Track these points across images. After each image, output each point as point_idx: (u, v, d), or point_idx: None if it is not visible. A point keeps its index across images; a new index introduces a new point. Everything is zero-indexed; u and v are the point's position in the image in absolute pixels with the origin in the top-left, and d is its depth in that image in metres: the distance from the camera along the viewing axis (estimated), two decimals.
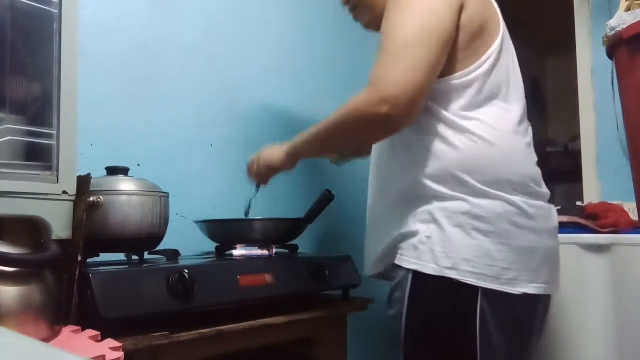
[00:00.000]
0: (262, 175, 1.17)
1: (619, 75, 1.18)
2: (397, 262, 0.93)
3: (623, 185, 1.41)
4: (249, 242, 1.22)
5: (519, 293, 0.85)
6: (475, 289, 0.84)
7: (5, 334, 0.51)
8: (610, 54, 1.19)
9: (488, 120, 0.89)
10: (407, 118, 0.84)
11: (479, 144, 0.87)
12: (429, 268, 0.87)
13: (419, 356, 0.91)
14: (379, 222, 1.02)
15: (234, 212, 1.39)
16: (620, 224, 1.20)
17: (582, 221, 1.23)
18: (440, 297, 0.88)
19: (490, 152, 0.88)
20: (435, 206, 0.89)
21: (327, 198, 1.20)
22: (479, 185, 0.87)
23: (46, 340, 0.70)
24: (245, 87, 1.56)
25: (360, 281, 1.23)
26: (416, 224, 0.91)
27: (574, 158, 2.05)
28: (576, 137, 2.02)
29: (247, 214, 1.27)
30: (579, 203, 1.51)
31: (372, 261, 1.03)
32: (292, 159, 1.08)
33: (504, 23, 0.98)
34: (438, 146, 0.90)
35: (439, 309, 0.88)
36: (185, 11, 1.45)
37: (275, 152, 1.11)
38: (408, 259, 0.90)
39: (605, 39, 1.18)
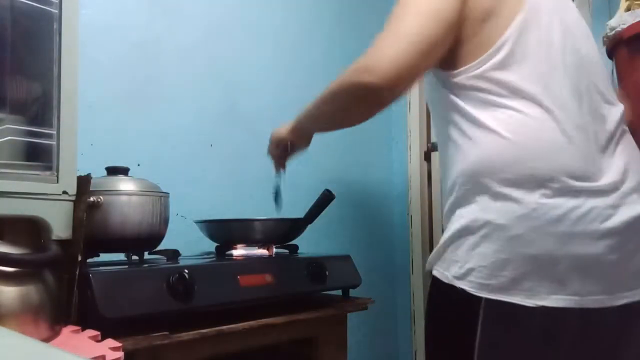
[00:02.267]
0: (276, 154, 1.15)
1: (619, 75, 1.17)
2: None
3: None
4: (249, 242, 1.22)
5: (533, 305, 0.75)
6: (478, 299, 0.79)
7: (5, 334, 0.51)
8: (610, 54, 1.18)
9: (507, 112, 0.81)
10: (390, 91, 0.81)
11: (495, 140, 0.80)
12: (441, 274, 0.85)
13: (429, 357, 0.91)
14: None
15: (234, 212, 1.39)
16: None
17: None
18: (449, 304, 0.85)
19: (508, 147, 0.79)
20: (455, 211, 0.86)
21: (327, 198, 1.20)
22: (495, 185, 0.79)
23: (46, 340, 0.70)
24: (245, 87, 1.56)
25: (360, 281, 1.23)
26: (447, 229, 0.88)
27: None
28: None
29: (277, 201, 1.24)
30: None
31: None
32: (296, 131, 1.07)
33: None
34: (459, 145, 0.85)
35: (446, 317, 0.87)
36: (185, 11, 1.45)
37: (282, 127, 1.11)
38: (431, 262, 0.90)
39: (605, 39, 1.18)
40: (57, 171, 0.80)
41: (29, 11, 0.83)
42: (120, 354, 0.68)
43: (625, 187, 0.81)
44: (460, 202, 0.85)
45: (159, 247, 1.06)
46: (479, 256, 0.80)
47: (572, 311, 0.76)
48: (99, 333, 0.74)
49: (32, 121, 0.83)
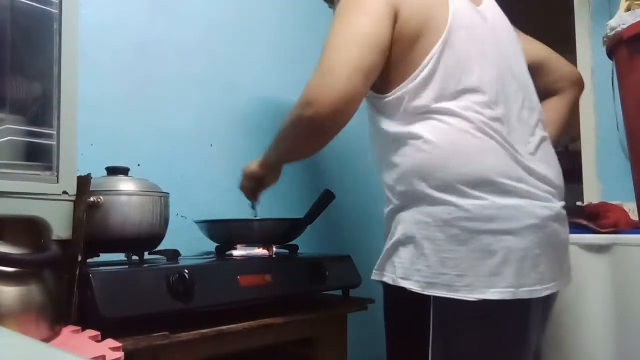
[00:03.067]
0: (247, 188, 1.17)
1: (619, 75, 1.18)
2: None
3: (623, 185, 1.41)
4: (249, 242, 1.22)
5: (475, 299, 0.83)
6: (427, 297, 0.86)
7: (6, 334, 0.51)
8: (610, 54, 1.19)
9: (432, 125, 0.88)
10: (331, 121, 0.85)
11: (426, 149, 0.87)
12: (388, 278, 0.92)
13: (388, 356, 1.01)
14: None
15: (234, 212, 1.39)
16: (620, 224, 1.20)
17: (582, 221, 1.23)
18: (402, 305, 0.93)
19: (437, 154, 0.86)
20: (395, 216, 0.94)
21: (327, 198, 1.20)
22: (429, 191, 0.86)
23: (46, 340, 0.70)
24: (245, 87, 1.56)
25: (360, 281, 1.23)
26: (388, 234, 0.96)
27: (574, 158, 2.05)
28: (576, 137, 2.01)
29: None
30: (579, 203, 1.51)
31: None
32: (264, 167, 1.10)
33: (475, 9, 0.95)
34: (393, 154, 0.92)
35: (401, 316, 0.95)
36: (185, 11, 1.45)
37: (252, 163, 1.14)
38: (375, 271, 0.97)
39: (605, 39, 1.18)
40: (57, 171, 0.80)
41: (29, 11, 0.83)
42: (120, 354, 0.68)
43: (547, 188, 0.90)
44: (400, 208, 0.92)
45: (159, 247, 1.06)
46: (423, 257, 0.87)
47: (509, 302, 0.83)
48: (99, 333, 0.74)
49: (32, 121, 0.83)
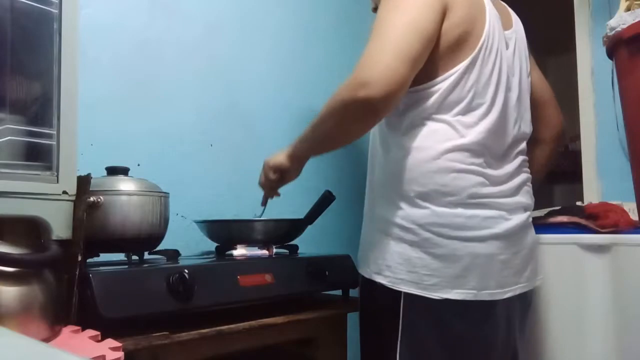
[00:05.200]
0: (270, 182, 1.14)
1: (619, 75, 1.17)
2: None
3: (623, 185, 1.41)
4: (249, 242, 1.22)
5: (439, 298, 0.89)
6: (398, 293, 0.92)
7: (6, 334, 0.51)
8: (610, 54, 1.18)
9: (428, 134, 0.93)
10: (384, 102, 0.86)
11: (412, 156, 0.93)
12: (364, 271, 1.00)
13: (361, 345, 1.05)
14: None
15: (234, 212, 1.39)
16: (620, 224, 1.20)
17: (582, 221, 1.23)
18: (374, 298, 0.98)
19: (421, 165, 0.92)
20: (375, 212, 0.99)
21: (327, 198, 1.20)
22: (409, 195, 0.93)
23: (46, 340, 0.70)
24: (245, 87, 1.56)
25: None
26: (367, 229, 1.03)
27: (574, 158, 2.05)
28: (576, 137, 2.01)
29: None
30: (579, 203, 1.51)
31: None
32: (293, 158, 1.08)
33: (503, 33, 1.00)
34: (385, 154, 0.98)
35: (374, 310, 1.00)
36: (185, 11, 1.45)
37: (277, 155, 1.11)
38: (358, 263, 1.04)
39: (605, 39, 1.18)
40: (57, 171, 0.80)
41: (29, 11, 0.83)
42: (120, 354, 0.68)
43: (514, 201, 0.98)
44: (381, 205, 0.98)
45: (159, 247, 1.06)
46: (396, 254, 0.93)
47: (471, 303, 0.90)
48: (99, 333, 0.74)
49: (32, 121, 0.83)
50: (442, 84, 0.92)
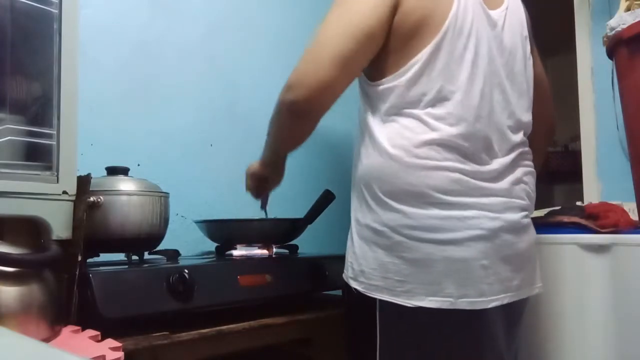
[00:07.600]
0: (253, 189, 1.16)
1: (619, 75, 1.17)
2: None
3: (623, 185, 1.41)
4: (249, 242, 1.22)
5: (412, 306, 0.83)
6: (373, 300, 0.87)
7: (6, 334, 0.51)
8: (610, 54, 1.18)
9: (397, 130, 0.87)
10: (307, 104, 0.87)
11: (382, 155, 0.87)
12: (344, 275, 0.95)
13: (345, 350, 1.02)
14: None
15: (234, 212, 1.39)
16: (620, 224, 1.20)
17: (582, 221, 1.23)
18: (354, 303, 0.94)
19: (389, 162, 0.86)
20: (353, 214, 0.95)
21: (327, 198, 1.20)
22: (380, 196, 0.87)
23: (46, 340, 0.70)
24: (245, 87, 1.56)
25: None
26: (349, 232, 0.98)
27: (574, 158, 2.05)
28: (576, 137, 2.01)
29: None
30: (579, 203, 1.51)
31: None
32: (264, 165, 1.09)
33: (486, 12, 0.91)
34: (359, 154, 0.93)
35: (352, 316, 0.97)
36: (185, 11, 1.45)
37: (254, 163, 1.13)
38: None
39: (605, 39, 1.18)
40: (57, 171, 0.80)
41: (29, 11, 0.83)
42: (120, 354, 0.68)
43: (502, 200, 0.88)
44: (355, 207, 0.94)
45: (159, 247, 1.06)
46: (371, 259, 0.88)
47: (447, 312, 0.83)
48: (99, 333, 0.74)
49: (32, 121, 0.83)
50: (404, 77, 0.86)
